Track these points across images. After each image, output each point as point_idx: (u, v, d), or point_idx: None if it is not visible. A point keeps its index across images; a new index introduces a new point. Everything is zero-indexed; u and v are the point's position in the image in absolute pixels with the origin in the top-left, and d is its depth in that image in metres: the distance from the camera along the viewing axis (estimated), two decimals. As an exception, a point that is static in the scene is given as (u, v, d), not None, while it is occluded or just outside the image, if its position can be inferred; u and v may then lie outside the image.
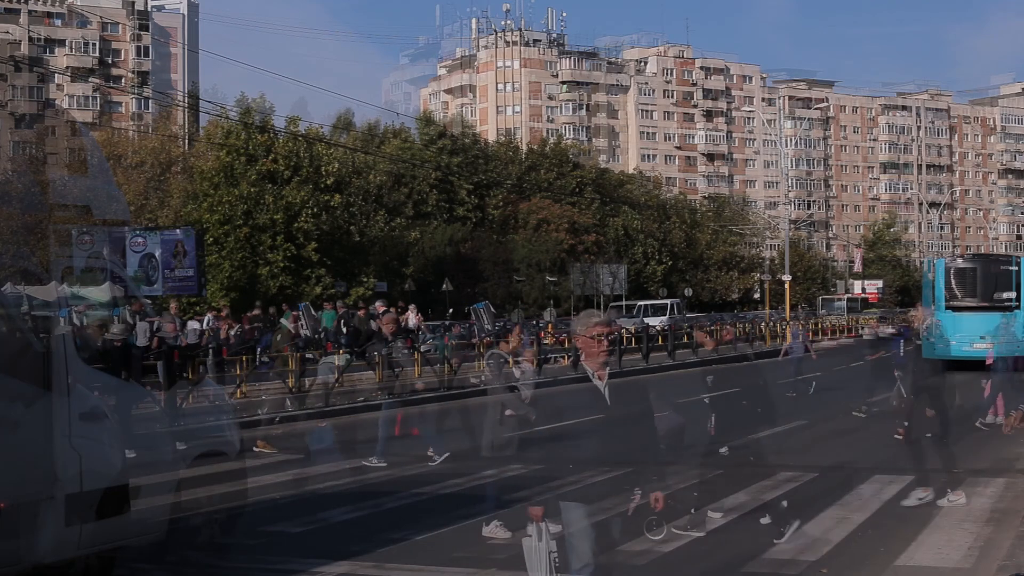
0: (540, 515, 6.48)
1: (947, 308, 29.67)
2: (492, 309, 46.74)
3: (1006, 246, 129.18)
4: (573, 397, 6.52)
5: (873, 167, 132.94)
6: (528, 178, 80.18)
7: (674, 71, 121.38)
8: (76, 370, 7.76)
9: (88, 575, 8.12)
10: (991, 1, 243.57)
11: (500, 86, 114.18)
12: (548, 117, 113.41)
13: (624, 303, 63.99)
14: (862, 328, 53.97)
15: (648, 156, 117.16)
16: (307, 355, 26.34)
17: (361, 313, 34.57)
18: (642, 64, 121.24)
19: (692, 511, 10.32)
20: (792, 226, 76.88)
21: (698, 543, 9.95)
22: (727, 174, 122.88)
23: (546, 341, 34.95)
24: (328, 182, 56.66)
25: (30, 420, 7.48)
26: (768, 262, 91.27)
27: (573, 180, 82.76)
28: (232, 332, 29.37)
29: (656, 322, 49.78)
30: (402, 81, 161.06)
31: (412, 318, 35.15)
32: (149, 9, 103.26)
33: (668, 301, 63.36)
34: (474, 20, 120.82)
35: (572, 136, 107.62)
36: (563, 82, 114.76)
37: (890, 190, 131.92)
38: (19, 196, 54.65)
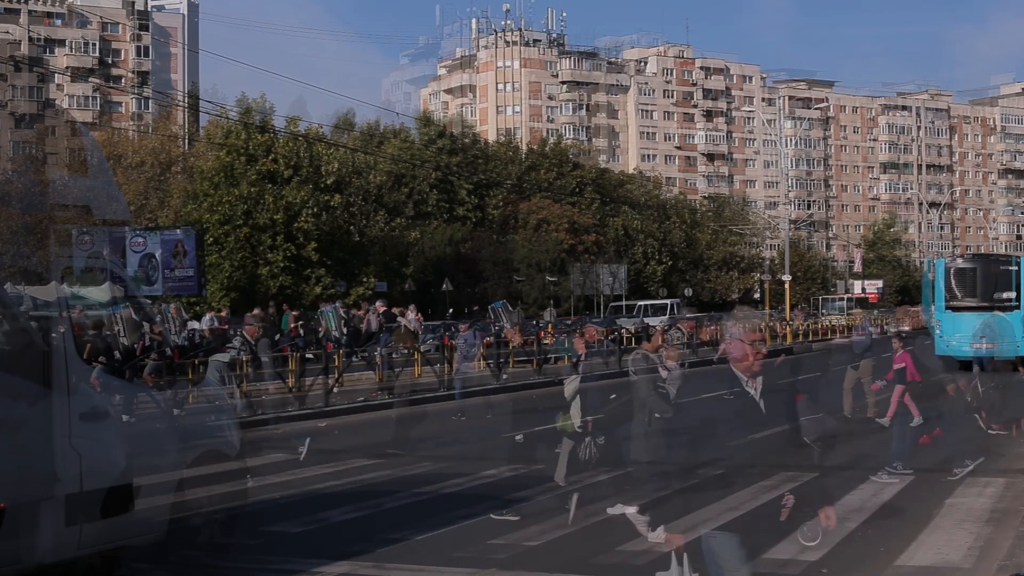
0: (681, 544, 5.83)
1: (947, 308, 29.67)
2: (510, 308, 46.86)
3: (1006, 246, 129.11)
4: (724, 405, 5.90)
5: (873, 167, 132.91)
6: (528, 178, 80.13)
7: (674, 71, 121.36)
8: (76, 370, 7.76)
9: (92, 575, 8.13)
10: (991, 1, 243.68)
11: (500, 86, 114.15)
12: (548, 117, 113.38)
13: (624, 303, 64.02)
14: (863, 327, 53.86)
15: (648, 156, 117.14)
16: (306, 355, 26.36)
17: (360, 312, 34.66)
18: (642, 64, 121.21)
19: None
20: (792, 226, 76.85)
21: (699, 543, 9.94)
22: (727, 174, 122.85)
23: (546, 341, 34.93)
24: (328, 182, 56.67)
25: (39, 419, 7.52)
26: (768, 262, 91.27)
27: (573, 180, 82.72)
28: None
29: (656, 322, 49.77)
30: (402, 81, 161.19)
31: (412, 318, 35.13)
32: (149, 9, 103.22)
33: (668, 301, 63.38)
34: (474, 20, 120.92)
35: (572, 136, 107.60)
36: (563, 82, 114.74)
37: (890, 190, 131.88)
38: (19, 196, 54.65)
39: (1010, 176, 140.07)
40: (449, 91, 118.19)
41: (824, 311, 68.75)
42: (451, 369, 27.06)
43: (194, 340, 27.33)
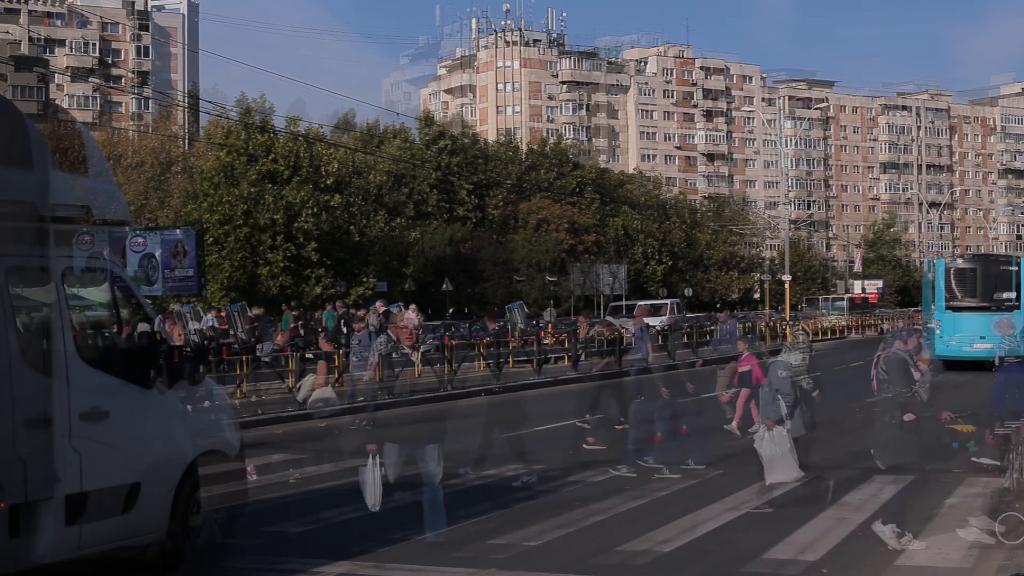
0: None
1: (947, 308, 29.71)
2: (526, 309, 46.99)
3: (1006, 246, 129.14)
4: None
5: (873, 167, 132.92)
6: (528, 178, 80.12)
7: (674, 71, 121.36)
8: (76, 370, 7.77)
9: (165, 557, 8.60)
10: (991, 1, 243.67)
11: (500, 86, 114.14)
12: (548, 117, 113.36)
13: (624, 303, 63.99)
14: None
15: (648, 156, 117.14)
16: (306, 355, 26.36)
17: (361, 313, 34.71)
18: (642, 64, 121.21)
19: None
20: (792, 226, 76.82)
21: (698, 543, 9.96)
22: (727, 174, 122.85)
23: (546, 341, 34.92)
24: (328, 182, 56.61)
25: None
26: (768, 262, 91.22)
27: (573, 180, 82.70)
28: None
29: (656, 322, 49.75)
30: (402, 81, 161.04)
31: (412, 318, 35.18)
32: (149, 9, 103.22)
33: (668, 301, 63.29)
34: (474, 20, 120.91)
35: (572, 136, 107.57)
36: (563, 82, 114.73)
37: (890, 190, 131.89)
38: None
39: (1010, 176, 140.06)
40: (449, 91, 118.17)
41: (823, 311, 68.58)
42: (450, 369, 26.95)
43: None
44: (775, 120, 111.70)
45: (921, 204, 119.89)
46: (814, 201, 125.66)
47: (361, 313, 35.11)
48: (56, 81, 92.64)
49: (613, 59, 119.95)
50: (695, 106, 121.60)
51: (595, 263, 71.32)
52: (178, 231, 42.25)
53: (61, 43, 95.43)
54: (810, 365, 13.42)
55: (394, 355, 16.04)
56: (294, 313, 34.89)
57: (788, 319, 52.34)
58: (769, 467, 11.64)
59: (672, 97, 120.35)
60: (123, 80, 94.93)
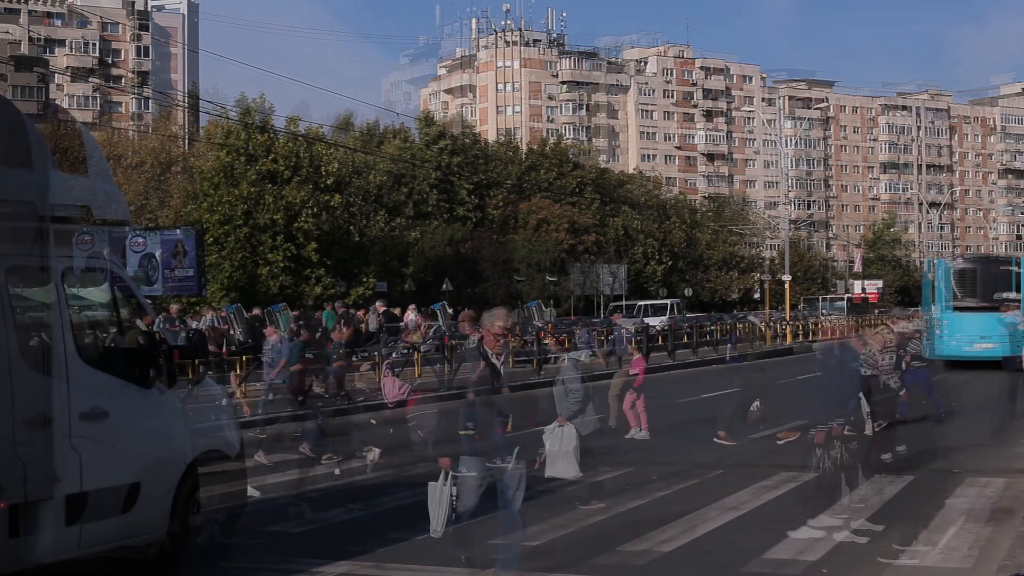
0: None
1: (948, 308, 29.76)
2: (544, 308, 46.93)
3: (1006, 246, 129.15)
4: None
5: (873, 167, 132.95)
6: (528, 178, 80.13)
7: (674, 71, 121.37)
8: (76, 369, 7.77)
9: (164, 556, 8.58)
10: (991, 1, 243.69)
11: (500, 86, 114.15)
12: (548, 117, 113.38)
13: (624, 303, 64.00)
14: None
15: (648, 156, 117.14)
16: (307, 354, 26.26)
17: (361, 313, 34.68)
18: (642, 64, 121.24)
19: None
20: (792, 226, 76.85)
21: (698, 543, 9.95)
22: (727, 174, 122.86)
23: (546, 341, 34.90)
24: (328, 182, 56.64)
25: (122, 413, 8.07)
26: (768, 262, 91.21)
27: (573, 180, 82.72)
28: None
29: (656, 322, 49.74)
30: (402, 81, 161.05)
31: (412, 318, 35.14)
32: (149, 9, 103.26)
33: (668, 301, 63.30)
34: (474, 20, 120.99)
35: (572, 136, 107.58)
36: (563, 82, 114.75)
37: (890, 190, 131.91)
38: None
39: (1010, 176, 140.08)
40: (449, 91, 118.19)
41: (823, 311, 68.47)
42: (450, 368, 26.88)
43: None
44: (775, 120, 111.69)
45: (921, 204, 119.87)
46: (814, 201, 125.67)
47: (360, 314, 35.13)
48: (56, 81, 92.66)
49: (613, 59, 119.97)
50: (695, 106, 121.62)
51: (595, 263, 71.35)
52: (178, 231, 42.26)
53: (61, 43, 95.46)
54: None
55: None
56: (294, 313, 34.87)
57: (788, 319, 52.33)
58: (551, 462, 11.77)
59: (672, 97, 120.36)
60: (123, 80, 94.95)
